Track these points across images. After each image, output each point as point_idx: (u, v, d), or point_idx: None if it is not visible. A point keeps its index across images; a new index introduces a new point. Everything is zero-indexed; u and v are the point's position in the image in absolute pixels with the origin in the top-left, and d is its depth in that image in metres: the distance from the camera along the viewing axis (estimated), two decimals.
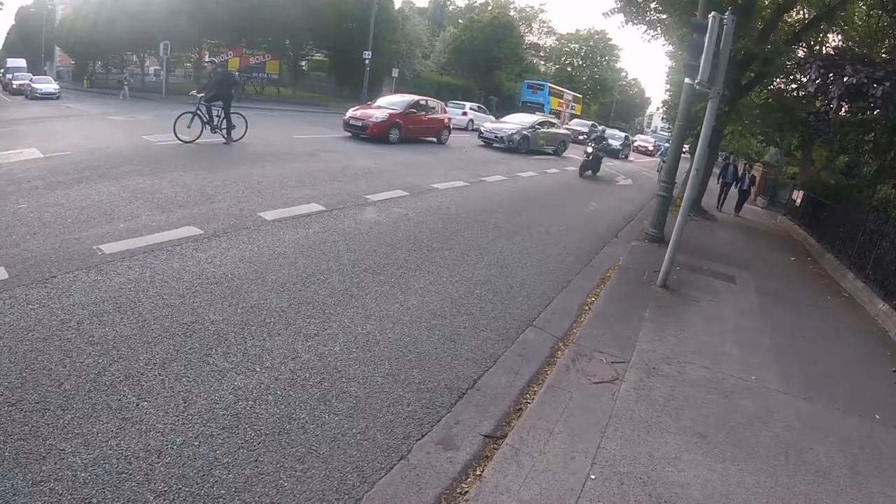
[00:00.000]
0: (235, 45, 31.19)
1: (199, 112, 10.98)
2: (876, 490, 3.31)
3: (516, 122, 19.69)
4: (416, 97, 17.56)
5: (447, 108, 19.52)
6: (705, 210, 13.21)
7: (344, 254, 5.72)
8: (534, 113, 25.72)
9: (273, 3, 27.45)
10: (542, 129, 19.80)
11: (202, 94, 11.08)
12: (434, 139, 17.44)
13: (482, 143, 18.87)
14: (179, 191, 7.14)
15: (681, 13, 11.83)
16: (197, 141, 10.79)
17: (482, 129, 19.48)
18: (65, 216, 5.63)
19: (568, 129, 30.16)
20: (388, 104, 16.41)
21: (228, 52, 31.28)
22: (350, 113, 15.72)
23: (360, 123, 15.02)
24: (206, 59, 13.02)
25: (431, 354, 4.07)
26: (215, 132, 11.28)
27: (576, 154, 23.34)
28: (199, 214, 6.23)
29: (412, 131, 16.01)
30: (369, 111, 15.64)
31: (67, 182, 6.99)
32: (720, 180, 16.33)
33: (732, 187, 16.26)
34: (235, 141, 11.49)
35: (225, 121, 11.35)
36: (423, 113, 16.83)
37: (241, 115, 11.74)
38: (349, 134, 15.32)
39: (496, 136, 18.50)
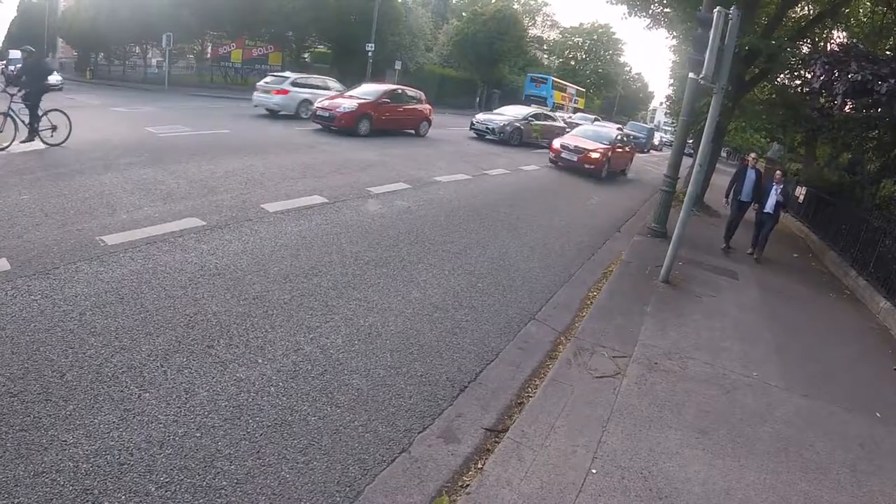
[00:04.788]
0: (238, 37, 31.11)
1: (10, 112, 8.42)
2: (876, 488, 3.32)
3: (510, 113, 19.28)
4: (392, 86, 16.45)
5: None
6: (708, 205, 13.17)
7: (346, 246, 5.71)
8: (530, 105, 25.43)
9: None
10: (536, 122, 19.25)
11: (20, 90, 8.68)
12: (412, 131, 16.28)
13: (474, 135, 18.60)
14: (182, 182, 7.14)
15: (685, 7, 11.75)
16: (9, 149, 8.07)
17: (474, 120, 19.08)
18: (67, 207, 5.63)
19: (569, 121, 29.99)
20: (362, 94, 15.02)
21: (231, 44, 31.22)
22: (318, 103, 14.36)
23: (327, 114, 13.69)
24: (22, 47, 8.94)
25: (433, 347, 4.08)
26: (34, 137, 8.69)
27: None
28: (201, 206, 6.23)
29: (385, 122, 14.73)
30: (338, 100, 14.19)
31: (70, 173, 6.99)
32: (730, 198, 9.07)
33: (750, 209, 9.19)
34: (57, 145, 8.70)
35: (32, 119, 8.71)
36: (399, 104, 15.49)
37: (63, 112, 9.14)
38: (319, 126, 14.05)
39: (488, 128, 18.16)
